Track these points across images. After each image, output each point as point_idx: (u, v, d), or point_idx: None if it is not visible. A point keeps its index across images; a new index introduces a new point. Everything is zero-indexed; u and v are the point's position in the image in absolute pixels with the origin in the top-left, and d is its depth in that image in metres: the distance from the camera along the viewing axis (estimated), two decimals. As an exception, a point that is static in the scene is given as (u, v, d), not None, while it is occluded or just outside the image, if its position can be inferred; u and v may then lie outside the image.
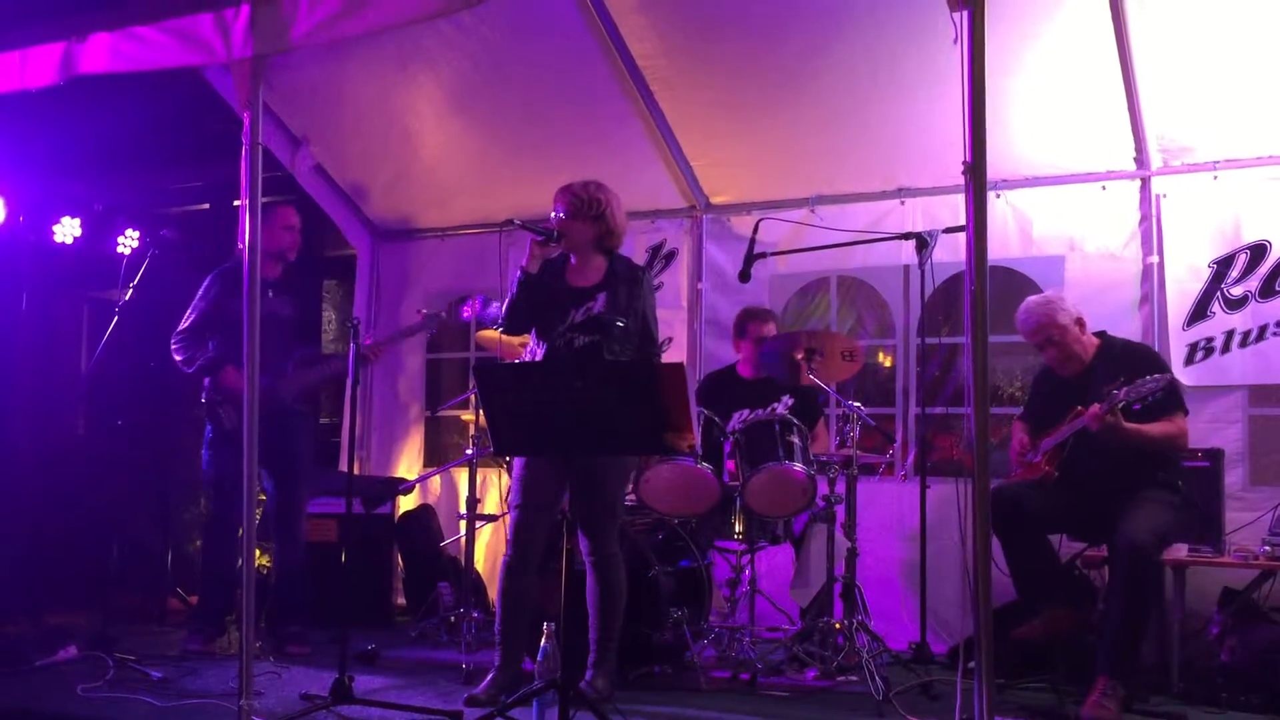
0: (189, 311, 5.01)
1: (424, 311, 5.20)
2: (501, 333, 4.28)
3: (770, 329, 5.27)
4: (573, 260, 4.18)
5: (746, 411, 4.98)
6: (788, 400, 5.02)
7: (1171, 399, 4.03)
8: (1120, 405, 3.91)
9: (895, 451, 5.50)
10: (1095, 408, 3.96)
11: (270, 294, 4.97)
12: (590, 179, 4.15)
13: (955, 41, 2.79)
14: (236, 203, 3.76)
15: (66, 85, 3.94)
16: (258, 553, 5.68)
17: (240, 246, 3.67)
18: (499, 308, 4.20)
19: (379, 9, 3.47)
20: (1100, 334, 4.36)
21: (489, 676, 4.05)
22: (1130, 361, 4.16)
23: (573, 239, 4.10)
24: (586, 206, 4.08)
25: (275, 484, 5.06)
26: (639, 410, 3.19)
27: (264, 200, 3.68)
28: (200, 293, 5.03)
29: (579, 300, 4.08)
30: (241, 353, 3.60)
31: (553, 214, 4.12)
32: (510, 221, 4.02)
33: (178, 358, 4.99)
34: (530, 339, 4.20)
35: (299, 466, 5.09)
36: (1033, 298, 4.41)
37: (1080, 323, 4.27)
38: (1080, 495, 4.13)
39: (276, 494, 5.08)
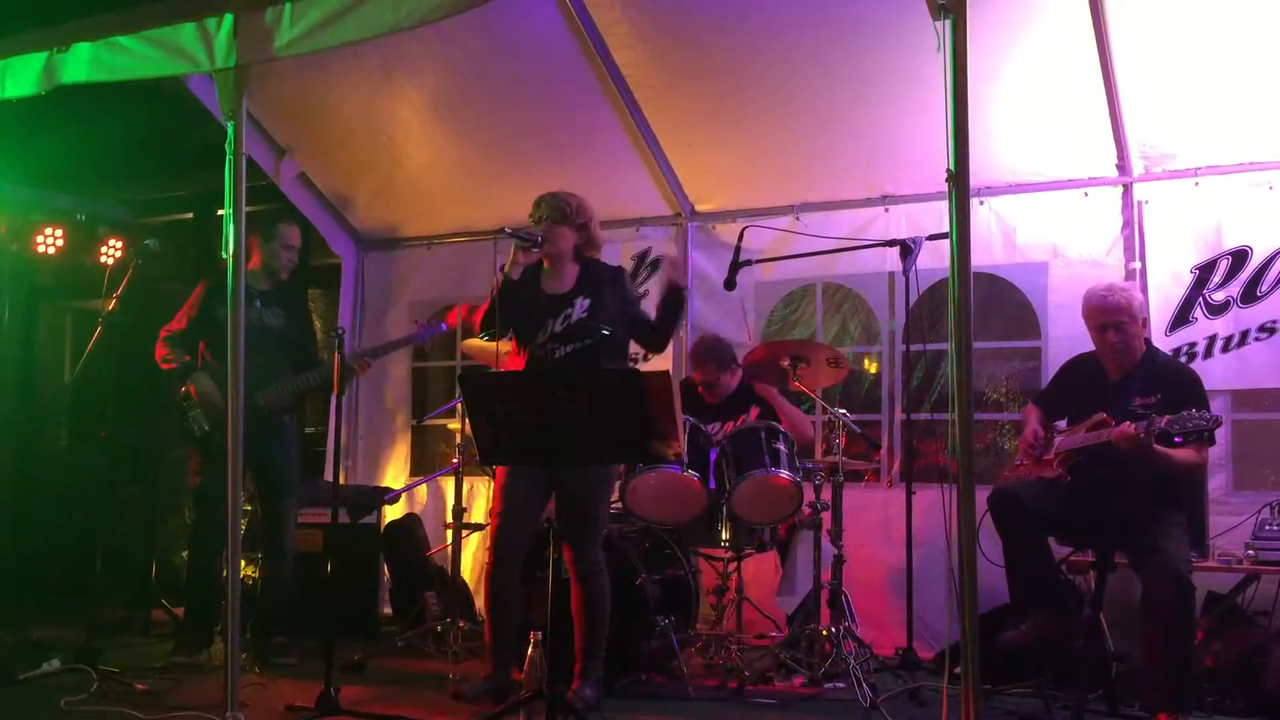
0: (181, 315, 4.96)
1: (419, 322, 5.17)
2: (484, 338, 4.29)
3: (706, 374, 5.14)
4: (545, 266, 4.19)
5: (717, 425, 4.99)
6: (754, 411, 5.05)
7: (1208, 434, 3.83)
8: (1157, 431, 3.75)
9: (881, 458, 5.52)
10: (1128, 427, 3.76)
11: (259, 304, 4.95)
12: (571, 191, 4.18)
13: (938, 50, 2.81)
14: (220, 212, 3.75)
15: (49, 95, 3.94)
16: (244, 564, 5.65)
17: (224, 257, 3.65)
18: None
19: (362, 19, 3.47)
20: (1145, 341, 4.20)
21: (479, 679, 4.08)
22: (1172, 382, 4.01)
23: (555, 244, 4.11)
24: (574, 212, 4.11)
25: (261, 494, 5.04)
26: (625, 419, 3.18)
27: (253, 209, 3.66)
28: (192, 299, 4.98)
29: (556, 308, 4.09)
30: (222, 361, 3.58)
31: (534, 216, 4.13)
32: (501, 230, 4.04)
33: (158, 354, 4.95)
34: (511, 348, 4.20)
35: (285, 476, 5.06)
36: (1114, 281, 4.30)
37: (1145, 324, 4.14)
38: (1087, 501, 3.98)
39: (263, 504, 5.05)
